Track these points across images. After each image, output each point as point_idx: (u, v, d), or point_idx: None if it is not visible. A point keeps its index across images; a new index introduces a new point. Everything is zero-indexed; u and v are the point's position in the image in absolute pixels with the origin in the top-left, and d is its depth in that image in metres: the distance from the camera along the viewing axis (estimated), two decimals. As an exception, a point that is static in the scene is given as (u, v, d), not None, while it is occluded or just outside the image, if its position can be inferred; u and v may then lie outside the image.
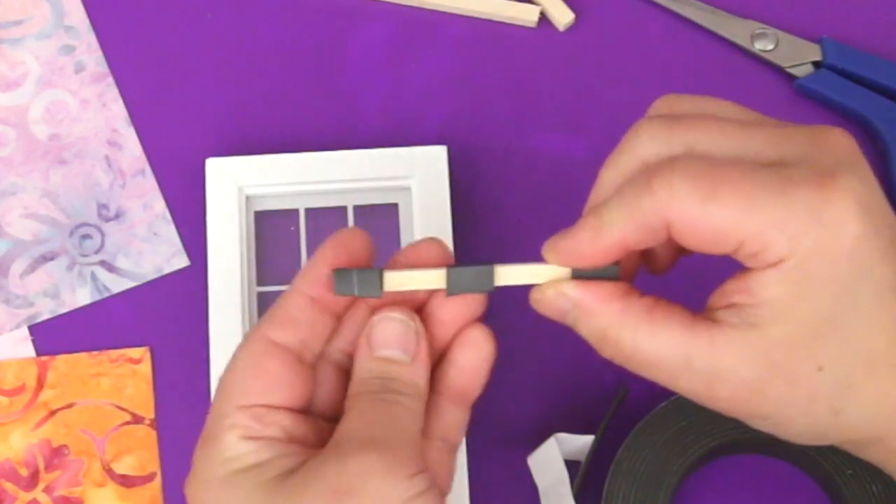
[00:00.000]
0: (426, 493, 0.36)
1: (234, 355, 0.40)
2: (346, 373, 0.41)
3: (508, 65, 0.60)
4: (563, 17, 0.60)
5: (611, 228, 0.36)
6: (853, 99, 0.57)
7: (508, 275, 0.39)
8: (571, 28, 0.60)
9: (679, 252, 0.40)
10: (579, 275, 0.38)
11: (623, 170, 0.37)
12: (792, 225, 0.34)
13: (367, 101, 0.59)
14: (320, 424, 0.40)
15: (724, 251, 0.35)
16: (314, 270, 0.39)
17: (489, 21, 0.60)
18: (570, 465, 0.51)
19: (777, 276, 0.34)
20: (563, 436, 0.50)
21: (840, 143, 0.36)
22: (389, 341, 0.39)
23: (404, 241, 0.55)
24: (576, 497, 0.49)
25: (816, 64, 0.59)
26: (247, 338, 0.40)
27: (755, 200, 0.34)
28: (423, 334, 0.39)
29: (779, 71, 0.59)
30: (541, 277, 0.38)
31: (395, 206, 0.56)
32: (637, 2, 0.61)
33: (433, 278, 0.39)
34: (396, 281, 0.39)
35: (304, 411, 0.40)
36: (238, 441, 0.38)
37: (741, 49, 0.59)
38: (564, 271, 0.38)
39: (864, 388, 0.35)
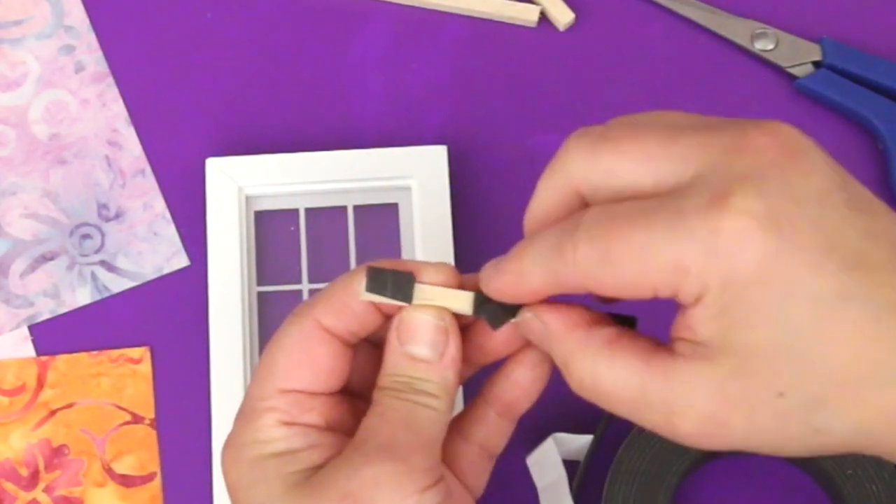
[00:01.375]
0: None
1: (281, 332, 0.39)
2: (381, 351, 0.40)
3: (508, 65, 0.60)
4: (563, 17, 0.60)
5: (531, 280, 0.36)
6: (853, 99, 0.57)
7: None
8: (571, 28, 0.60)
9: None
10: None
11: (555, 185, 0.37)
12: (691, 265, 0.32)
13: (368, 101, 0.59)
14: (356, 404, 0.40)
15: (647, 297, 0.34)
16: (381, 262, 0.39)
17: (489, 21, 0.60)
18: (570, 464, 0.51)
19: (702, 312, 0.33)
20: (561, 436, 0.50)
21: (757, 143, 0.33)
22: (417, 337, 0.38)
23: (404, 240, 0.55)
24: (575, 497, 0.49)
25: (816, 64, 0.59)
26: (296, 317, 0.39)
27: (647, 251, 0.33)
28: (455, 333, 0.39)
29: (779, 71, 0.59)
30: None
31: (395, 206, 0.56)
32: (637, 2, 0.61)
33: (462, 299, 0.38)
34: (426, 294, 0.38)
35: (343, 391, 0.40)
36: (274, 426, 0.38)
37: (741, 49, 0.59)
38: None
39: (839, 403, 0.33)
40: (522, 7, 0.60)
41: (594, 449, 0.50)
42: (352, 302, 0.39)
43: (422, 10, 0.60)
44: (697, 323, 0.33)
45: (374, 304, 0.39)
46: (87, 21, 0.60)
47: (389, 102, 0.59)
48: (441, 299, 0.38)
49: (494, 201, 0.57)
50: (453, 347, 0.39)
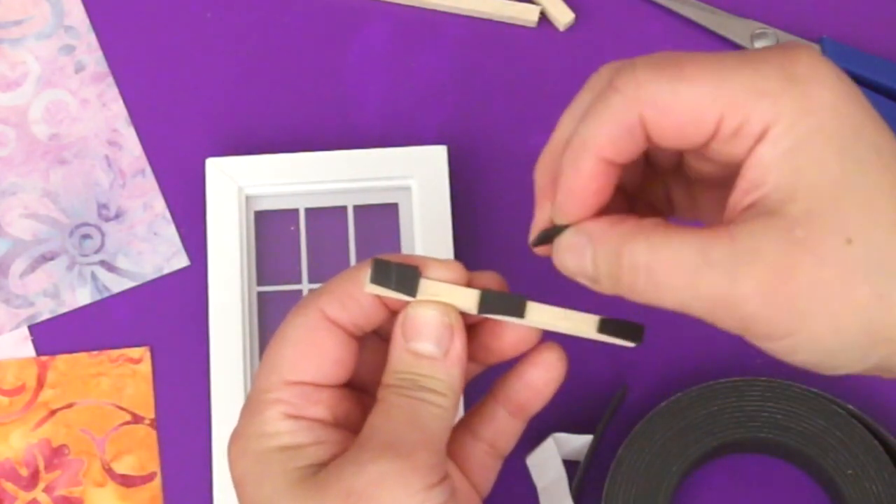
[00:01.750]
0: None
1: (287, 323, 0.39)
2: (387, 345, 0.40)
3: (508, 65, 0.60)
4: (563, 17, 0.60)
5: (590, 142, 0.34)
6: (853, 99, 0.57)
7: (539, 312, 0.38)
8: (571, 28, 0.60)
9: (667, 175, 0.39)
10: (605, 328, 0.38)
11: (617, 110, 0.35)
12: (768, 86, 0.32)
13: (367, 101, 0.59)
14: (362, 399, 0.40)
15: (704, 136, 0.33)
16: (388, 256, 0.38)
17: (489, 21, 0.60)
18: (570, 464, 0.51)
19: (771, 149, 0.32)
20: (561, 436, 0.50)
21: (801, 44, 0.35)
22: (422, 333, 0.38)
23: (404, 240, 0.55)
24: (575, 497, 0.49)
25: (816, 64, 0.58)
26: (302, 308, 0.39)
27: (724, 72, 0.32)
28: (460, 330, 0.38)
29: (779, 71, 0.59)
30: (570, 320, 0.38)
31: (395, 206, 0.56)
32: (637, 2, 0.61)
33: (467, 297, 0.38)
34: (431, 289, 0.38)
35: (349, 384, 0.39)
36: (280, 419, 0.38)
37: (741, 49, 0.59)
38: (592, 319, 0.38)
39: None
40: (522, 7, 0.60)
41: (594, 449, 0.50)
42: (357, 293, 0.38)
43: (422, 10, 0.60)
44: (766, 166, 0.32)
45: (379, 297, 0.38)
46: (87, 21, 0.60)
47: (389, 102, 0.59)
48: (446, 296, 0.38)
49: (494, 201, 0.57)
50: (458, 345, 0.38)
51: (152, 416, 0.54)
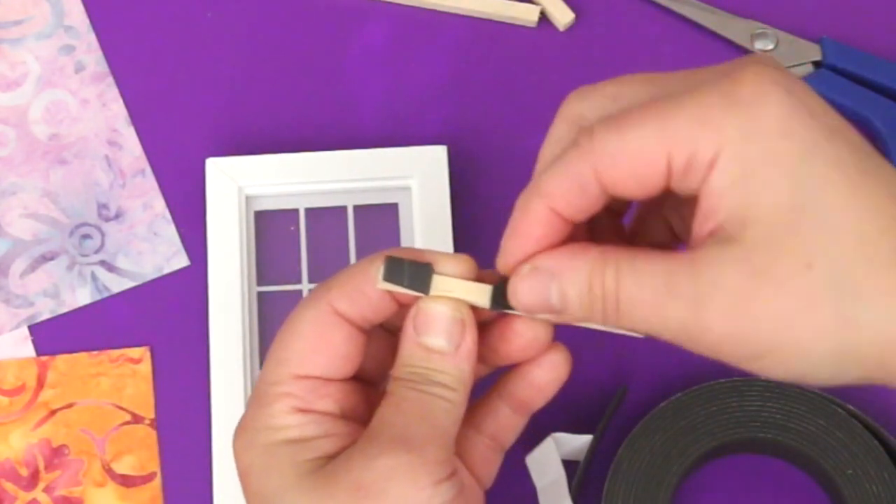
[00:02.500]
0: (451, 503, 0.36)
1: (295, 317, 0.39)
2: (395, 338, 0.40)
3: (508, 65, 0.60)
4: (563, 17, 0.60)
5: (539, 192, 0.35)
6: (853, 99, 0.57)
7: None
8: (571, 28, 0.60)
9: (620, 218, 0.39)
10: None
11: (557, 137, 0.37)
12: (709, 115, 0.32)
13: (367, 102, 0.59)
14: (368, 391, 0.40)
15: (660, 178, 0.33)
16: (399, 251, 0.39)
17: (489, 21, 0.60)
18: (569, 464, 0.51)
19: (720, 177, 0.32)
20: (561, 435, 0.50)
21: (754, 57, 0.34)
22: (434, 328, 0.38)
23: (404, 241, 0.55)
24: (574, 497, 0.49)
25: (816, 64, 0.59)
26: (310, 301, 0.39)
27: (667, 109, 0.32)
28: (472, 326, 0.38)
29: (779, 71, 0.59)
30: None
31: (395, 206, 0.56)
32: (637, 2, 0.61)
33: (479, 292, 0.38)
34: (444, 285, 0.38)
35: (356, 377, 0.39)
36: (288, 412, 0.38)
37: (741, 49, 0.59)
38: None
39: (867, 284, 0.31)
40: (522, 7, 0.60)
41: (594, 449, 0.50)
42: (367, 288, 0.38)
43: (422, 10, 0.60)
44: (717, 196, 0.32)
45: (389, 292, 0.38)
46: (87, 21, 0.60)
47: (389, 102, 0.59)
48: (458, 291, 0.38)
49: (494, 201, 0.57)
50: (469, 340, 0.38)
51: (152, 416, 0.54)
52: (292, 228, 0.56)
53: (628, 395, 0.54)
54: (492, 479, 0.42)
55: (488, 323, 0.40)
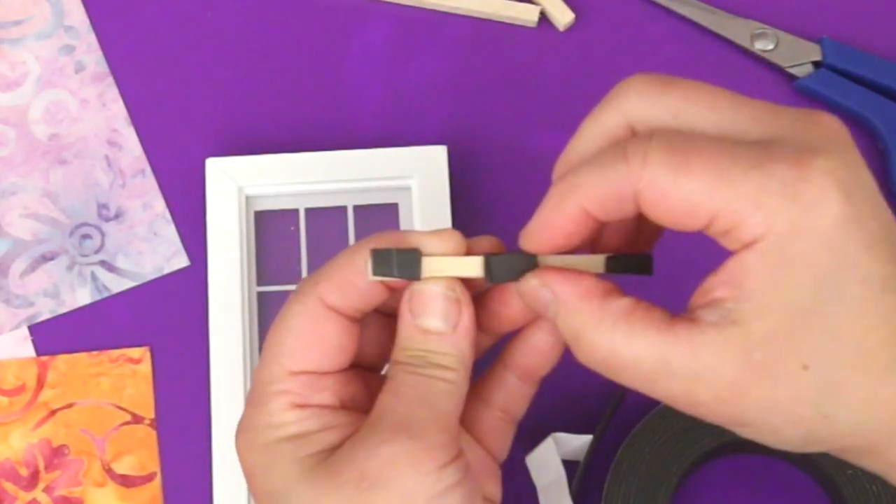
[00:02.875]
0: (456, 487, 0.36)
1: (285, 312, 0.39)
2: (391, 322, 0.40)
3: (508, 65, 0.60)
4: (563, 17, 0.60)
5: (576, 193, 0.35)
6: (853, 99, 0.57)
7: (551, 263, 0.37)
8: (571, 28, 0.60)
9: (644, 233, 0.39)
10: (613, 265, 0.37)
11: (605, 123, 0.36)
12: (766, 200, 0.32)
13: (368, 101, 0.59)
14: (367, 378, 0.40)
15: (695, 226, 0.33)
16: (382, 241, 0.38)
17: (489, 21, 0.60)
18: (569, 464, 0.51)
19: (755, 259, 0.32)
20: (561, 435, 0.50)
21: (829, 125, 0.34)
22: (429, 309, 0.38)
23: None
24: (574, 497, 0.49)
25: (816, 64, 0.59)
26: (299, 296, 0.39)
27: (728, 173, 0.32)
28: (468, 303, 0.38)
29: (779, 71, 0.59)
30: (581, 266, 0.37)
31: (395, 206, 0.56)
32: (637, 2, 0.61)
33: (472, 265, 0.38)
34: (435, 266, 0.38)
35: (353, 364, 0.39)
36: (286, 409, 0.38)
37: (741, 49, 0.59)
38: (599, 259, 0.37)
39: (854, 390, 0.33)
40: (522, 7, 0.60)
41: (594, 449, 0.50)
42: (356, 279, 0.38)
43: (422, 10, 0.60)
44: (747, 270, 0.33)
45: (381, 282, 0.38)
46: (87, 21, 0.60)
47: (389, 102, 0.59)
48: (451, 269, 0.38)
49: (494, 201, 0.57)
50: (466, 318, 0.38)
51: (152, 416, 0.54)
52: (292, 228, 0.56)
53: (628, 396, 0.54)
54: (506, 452, 0.42)
55: (485, 291, 0.39)
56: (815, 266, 0.32)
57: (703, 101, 0.35)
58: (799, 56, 0.59)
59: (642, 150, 0.33)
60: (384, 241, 0.38)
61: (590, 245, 0.39)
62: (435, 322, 0.38)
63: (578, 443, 0.51)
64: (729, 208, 0.32)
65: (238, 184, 0.55)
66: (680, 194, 0.33)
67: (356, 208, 0.56)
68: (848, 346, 0.33)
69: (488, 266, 0.38)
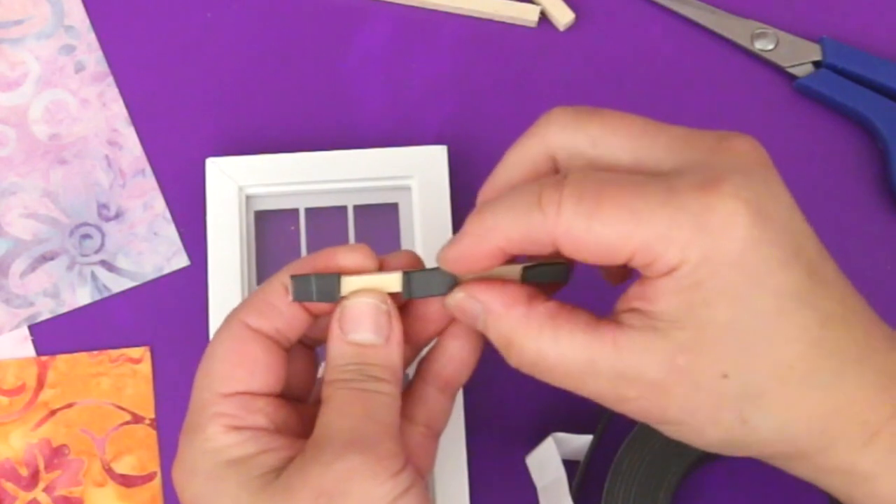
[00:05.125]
0: (411, 490, 0.37)
1: (212, 342, 0.40)
2: (313, 352, 0.41)
3: (508, 65, 0.60)
4: (563, 17, 0.60)
5: (494, 234, 0.36)
6: (853, 99, 0.57)
7: (469, 276, 0.39)
8: (571, 28, 0.60)
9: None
10: (530, 274, 0.39)
11: (528, 152, 0.38)
12: (676, 235, 0.33)
13: (367, 101, 0.59)
14: (297, 407, 0.41)
15: (615, 264, 0.35)
16: (302, 266, 0.40)
17: (489, 21, 0.60)
18: (569, 464, 0.51)
19: (670, 284, 0.34)
20: (561, 435, 0.50)
21: (740, 147, 0.35)
22: (361, 324, 0.39)
23: (404, 240, 0.55)
24: (574, 496, 0.49)
25: (816, 64, 0.59)
26: (224, 324, 0.40)
27: (640, 214, 0.34)
28: (396, 315, 0.39)
29: (779, 71, 0.59)
30: (498, 276, 0.38)
31: (395, 206, 0.56)
32: (637, 2, 0.61)
33: (391, 281, 0.39)
34: (354, 285, 0.39)
35: (283, 395, 0.40)
36: (222, 432, 0.38)
37: (741, 49, 0.59)
38: (515, 269, 0.38)
39: (774, 398, 0.35)
40: (522, 7, 0.60)
41: (594, 449, 0.50)
42: (275, 300, 0.39)
43: (422, 10, 0.60)
44: (660, 294, 0.34)
45: (299, 303, 0.39)
46: (87, 21, 0.60)
47: (389, 102, 0.59)
48: (370, 286, 0.39)
49: (494, 201, 0.57)
50: (397, 330, 0.39)
51: (152, 416, 0.54)
52: (292, 228, 0.56)
53: (628, 395, 0.54)
54: (431, 467, 0.43)
55: (403, 304, 0.41)
56: (727, 287, 0.34)
57: (621, 130, 0.36)
58: (799, 56, 0.59)
59: (556, 199, 0.35)
60: (305, 266, 0.39)
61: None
62: (367, 335, 0.39)
63: (579, 443, 0.51)
64: (643, 246, 0.34)
65: (238, 184, 0.55)
66: (595, 239, 0.34)
67: (356, 208, 0.56)
68: (766, 358, 0.34)
69: (408, 282, 0.39)
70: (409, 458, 0.38)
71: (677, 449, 0.50)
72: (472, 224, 0.37)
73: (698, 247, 0.33)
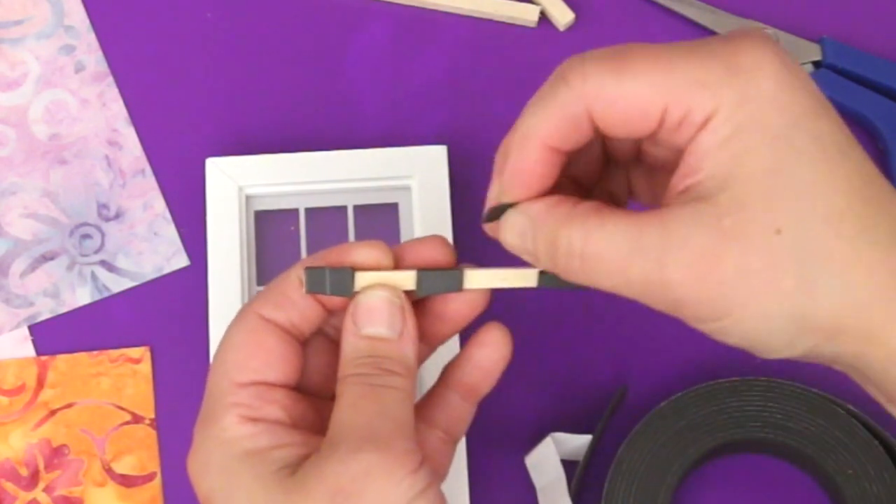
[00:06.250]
0: (427, 490, 0.36)
1: (226, 333, 0.40)
2: (336, 346, 0.41)
3: (508, 65, 0.60)
4: (563, 17, 0.60)
5: (536, 129, 0.35)
6: (853, 99, 0.57)
7: (477, 278, 0.39)
8: (571, 28, 0.60)
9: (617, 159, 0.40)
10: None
11: (566, 110, 0.35)
12: (709, 78, 0.33)
13: (367, 101, 0.59)
14: (315, 402, 0.40)
15: (651, 127, 0.34)
16: (317, 260, 0.40)
17: (489, 21, 0.60)
18: (569, 464, 0.51)
19: (710, 137, 0.33)
20: (560, 435, 0.50)
21: (750, 30, 0.35)
22: (374, 317, 0.39)
23: (404, 240, 0.55)
24: (574, 496, 0.49)
25: (816, 64, 0.59)
26: (239, 315, 0.40)
27: (668, 64, 0.33)
28: (410, 310, 0.39)
29: (779, 71, 0.59)
30: (508, 280, 0.39)
31: (395, 205, 0.56)
32: (637, 2, 0.61)
33: (404, 279, 0.39)
34: (368, 281, 0.39)
35: (299, 388, 0.40)
36: (238, 423, 0.38)
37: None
38: (532, 273, 0.38)
39: (832, 253, 0.32)
40: (522, 7, 0.60)
41: (593, 449, 0.50)
42: (290, 292, 0.39)
43: (422, 10, 0.60)
44: (703, 153, 0.33)
45: (313, 295, 0.39)
46: (87, 21, 0.60)
47: (389, 102, 0.59)
48: (384, 283, 0.39)
49: (494, 201, 0.57)
50: (410, 323, 0.39)
51: (152, 416, 0.54)
52: (292, 228, 0.56)
53: (628, 395, 0.54)
54: (447, 472, 0.42)
55: (421, 302, 0.40)
56: (767, 127, 0.33)
57: (639, 64, 0.35)
58: (799, 56, 0.59)
59: (579, 69, 0.34)
60: (320, 260, 0.39)
61: (571, 183, 0.39)
62: (381, 329, 0.39)
63: (578, 443, 0.51)
64: (677, 95, 0.33)
65: (238, 184, 0.55)
66: (628, 96, 0.34)
67: (356, 208, 0.56)
68: (818, 206, 0.32)
69: (420, 280, 0.39)
70: (425, 459, 0.38)
71: (677, 449, 0.50)
72: (508, 140, 0.36)
73: (732, 88, 0.33)
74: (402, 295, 0.39)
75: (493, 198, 0.38)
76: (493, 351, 0.41)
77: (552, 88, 0.35)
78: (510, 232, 0.37)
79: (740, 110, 0.33)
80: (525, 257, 0.38)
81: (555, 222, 0.36)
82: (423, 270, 0.39)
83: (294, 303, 0.39)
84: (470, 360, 0.41)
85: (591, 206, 0.35)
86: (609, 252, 0.34)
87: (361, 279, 0.39)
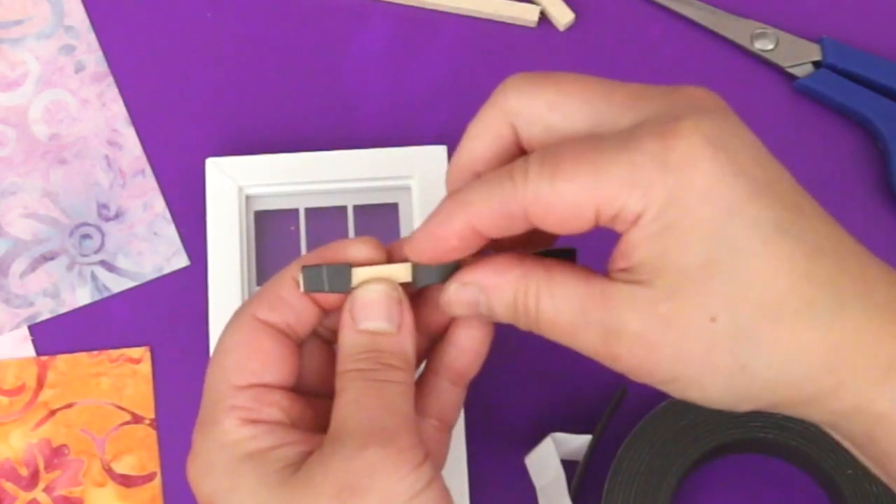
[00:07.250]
0: (432, 484, 0.36)
1: (222, 336, 0.40)
2: (329, 347, 0.41)
3: (508, 65, 0.60)
4: (563, 17, 0.60)
5: (467, 208, 0.36)
6: (853, 99, 0.57)
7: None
8: (571, 28, 0.60)
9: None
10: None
11: (489, 122, 0.37)
12: (640, 176, 0.33)
13: (367, 101, 0.59)
14: (312, 401, 0.41)
15: (586, 225, 0.35)
16: (312, 258, 0.40)
17: (489, 21, 0.60)
18: (569, 465, 0.51)
19: (639, 233, 0.33)
20: (559, 435, 0.50)
21: (695, 94, 0.35)
22: (373, 311, 0.39)
23: (404, 241, 0.56)
24: (573, 496, 0.49)
25: (816, 64, 0.59)
26: (234, 318, 0.40)
27: (599, 164, 0.33)
28: (407, 303, 0.39)
29: (779, 71, 0.59)
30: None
31: (395, 205, 0.56)
32: (637, 2, 0.61)
33: (400, 272, 0.39)
34: (366, 276, 0.39)
35: (296, 389, 0.40)
36: (238, 426, 0.38)
37: (741, 49, 0.59)
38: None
39: (769, 337, 0.33)
40: (522, 7, 0.60)
41: (593, 449, 0.50)
42: (285, 294, 0.39)
43: (422, 10, 0.60)
44: (634, 245, 0.34)
45: (308, 294, 0.39)
46: (87, 21, 0.60)
47: (389, 102, 0.59)
48: (381, 276, 0.39)
49: (494, 201, 0.57)
50: (408, 317, 0.39)
51: (152, 416, 0.54)
52: (292, 228, 0.56)
53: (628, 395, 0.54)
54: (444, 461, 0.42)
55: (417, 293, 0.41)
56: (699, 223, 0.33)
57: (577, 92, 0.36)
58: (799, 56, 0.59)
59: (523, 167, 0.35)
60: (314, 259, 0.39)
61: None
62: (380, 323, 0.39)
63: (578, 443, 0.51)
64: (608, 197, 0.33)
65: (238, 184, 0.55)
66: (561, 199, 0.34)
67: (356, 208, 0.56)
68: (753, 293, 0.33)
69: (416, 271, 0.39)
70: (428, 452, 0.38)
71: (677, 449, 0.50)
72: (443, 203, 0.37)
73: (661, 187, 0.33)
74: (399, 288, 0.39)
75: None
76: (476, 331, 0.41)
77: (499, 177, 0.35)
78: (460, 307, 0.38)
79: (670, 208, 0.33)
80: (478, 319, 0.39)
81: (511, 288, 0.37)
82: (418, 264, 0.39)
83: (289, 304, 0.39)
84: (455, 343, 0.41)
85: (541, 268, 0.36)
86: (559, 320, 0.36)
87: (357, 275, 0.39)
